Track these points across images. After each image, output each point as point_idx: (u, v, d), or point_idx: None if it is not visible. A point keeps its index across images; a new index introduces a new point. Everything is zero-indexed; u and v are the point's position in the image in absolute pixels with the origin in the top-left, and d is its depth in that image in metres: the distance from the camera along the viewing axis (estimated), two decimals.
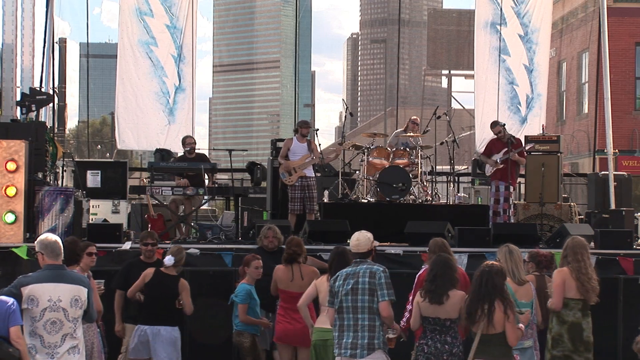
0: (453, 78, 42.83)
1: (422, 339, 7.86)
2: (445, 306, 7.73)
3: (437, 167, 15.59)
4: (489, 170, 13.98)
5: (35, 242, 7.10)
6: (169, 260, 9.12)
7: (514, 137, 14.05)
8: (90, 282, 8.21)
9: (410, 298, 8.66)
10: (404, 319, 8.63)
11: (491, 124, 14.19)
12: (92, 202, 14.34)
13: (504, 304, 7.15)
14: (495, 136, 13.95)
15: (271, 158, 14.44)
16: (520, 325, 7.32)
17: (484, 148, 14.63)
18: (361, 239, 7.52)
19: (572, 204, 14.67)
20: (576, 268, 8.03)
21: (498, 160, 13.73)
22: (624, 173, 16.57)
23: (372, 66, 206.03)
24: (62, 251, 7.04)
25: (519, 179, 19.08)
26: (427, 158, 14.93)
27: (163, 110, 16.32)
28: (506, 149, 13.68)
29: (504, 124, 14.13)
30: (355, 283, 7.17)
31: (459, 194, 15.55)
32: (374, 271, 7.22)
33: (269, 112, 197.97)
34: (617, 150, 17.32)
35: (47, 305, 6.80)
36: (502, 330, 7.15)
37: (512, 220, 13.66)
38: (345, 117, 17.63)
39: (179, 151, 15.28)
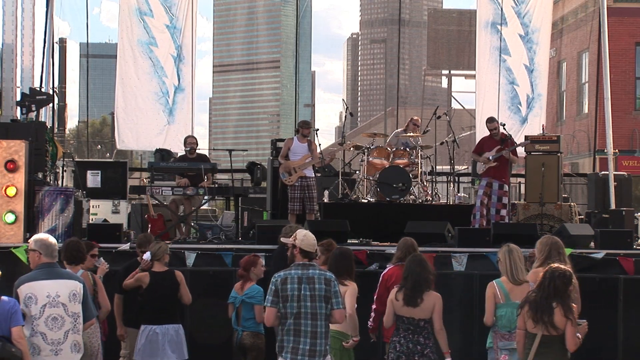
0: (453, 78, 42.78)
1: (395, 336, 7.91)
2: (420, 308, 7.76)
3: (437, 167, 15.59)
4: (480, 168, 13.82)
5: (31, 240, 7.13)
6: (147, 256, 9.14)
7: (506, 135, 13.82)
8: (96, 281, 8.29)
9: (375, 297, 8.66)
10: (371, 319, 8.63)
11: (487, 119, 13.98)
12: (92, 202, 14.35)
13: (564, 308, 7.15)
14: (489, 132, 13.85)
15: (271, 158, 14.43)
16: (578, 334, 7.29)
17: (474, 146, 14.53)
18: (311, 238, 7.23)
19: (572, 204, 14.66)
20: None
21: (490, 158, 13.56)
22: (624, 173, 16.56)
23: (372, 66, 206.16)
24: (57, 253, 7.13)
25: (518, 179, 19.16)
26: (427, 158, 14.92)
27: (163, 111, 16.32)
28: (499, 147, 13.57)
29: (503, 124, 14.02)
30: (312, 289, 7.02)
31: (459, 194, 15.54)
32: (329, 278, 7.09)
33: (269, 112, 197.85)
34: (617, 150, 17.30)
35: (47, 301, 6.84)
36: (562, 333, 7.15)
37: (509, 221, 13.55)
38: (345, 117, 17.63)
39: (179, 151, 15.28)
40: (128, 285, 9.19)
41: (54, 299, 6.85)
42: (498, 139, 13.63)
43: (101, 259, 9.33)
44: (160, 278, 9.12)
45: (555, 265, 7.45)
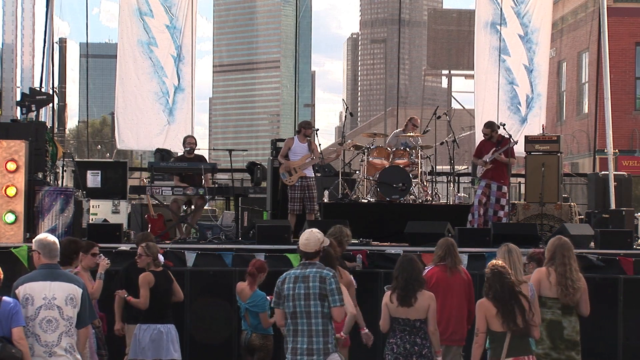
0: (453, 78, 42.83)
1: (392, 337, 7.93)
2: (414, 308, 7.77)
3: (437, 167, 15.59)
4: (479, 171, 13.80)
5: (34, 240, 7.11)
6: (162, 259, 9.24)
7: (503, 137, 13.70)
8: (86, 283, 8.23)
9: None
10: None
11: (485, 123, 14.02)
12: (92, 202, 14.34)
13: (527, 302, 7.40)
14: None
15: (271, 158, 14.44)
16: None
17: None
18: (311, 238, 7.20)
19: (572, 204, 14.66)
20: (561, 271, 7.99)
21: (487, 160, 13.55)
22: (624, 173, 16.57)
23: (372, 66, 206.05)
24: (59, 253, 7.07)
25: (518, 179, 19.15)
26: (427, 158, 14.93)
27: (163, 111, 16.33)
28: (495, 149, 13.55)
29: (500, 125, 13.90)
30: (306, 288, 7.00)
31: (459, 194, 15.53)
32: (324, 276, 7.05)
33: (269, 112, 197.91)
34: (617, 150, 17.31)
35: (42, 303, 6.79)
36: (524, 326, 7.37)
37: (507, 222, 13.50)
38: (345, 117, 17.64)
39: (179, 151, 15.28)
40: (143, 302, 9.08)
41: (49, 301, 6.80)
42: (495, 142, 13.61)
43: (101, 255, 9.32)
44: (160, 278, 9.16)
45: (495, 263, 7.55)
